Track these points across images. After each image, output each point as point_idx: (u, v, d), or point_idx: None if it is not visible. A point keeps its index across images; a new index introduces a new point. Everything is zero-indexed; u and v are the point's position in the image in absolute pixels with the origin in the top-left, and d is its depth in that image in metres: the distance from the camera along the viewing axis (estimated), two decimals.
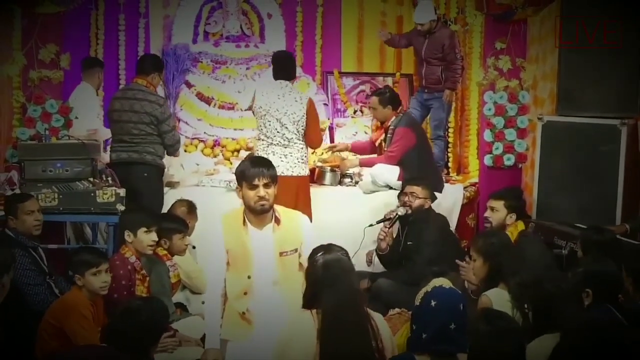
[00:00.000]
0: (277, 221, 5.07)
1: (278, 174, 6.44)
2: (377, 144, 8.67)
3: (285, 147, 7.36)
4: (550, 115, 8.05)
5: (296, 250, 5.06)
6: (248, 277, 5.00)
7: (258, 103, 7.40)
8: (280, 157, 7.28)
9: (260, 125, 7.44)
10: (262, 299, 5.00)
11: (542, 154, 7.96)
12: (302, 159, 7.42)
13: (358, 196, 8.34)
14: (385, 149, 8.35)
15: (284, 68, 7.57)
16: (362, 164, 8.46)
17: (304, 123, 7.39)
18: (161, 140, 7.55)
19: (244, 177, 4.99)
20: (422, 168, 8.13)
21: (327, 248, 4.48)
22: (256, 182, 4.95)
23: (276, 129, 7.34)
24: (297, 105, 7.36)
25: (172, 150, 7.74)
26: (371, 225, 7.43)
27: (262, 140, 7.46)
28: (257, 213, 5.00)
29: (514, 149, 8.46)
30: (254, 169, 5.00)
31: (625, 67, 7.71)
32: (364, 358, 4.20)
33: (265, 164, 5.13)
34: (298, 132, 7.38)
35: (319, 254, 4.44)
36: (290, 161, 7.33)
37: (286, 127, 7.33)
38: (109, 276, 5.35)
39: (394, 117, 8.31)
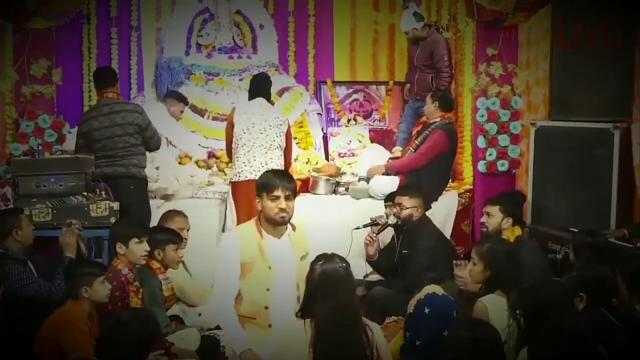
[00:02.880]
0: (293, 227, 5.09)
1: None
2: (413, 134, 8.73)
3: (267, 153, 7.56)
4: (543, 120, 8.05)
5: (307, 253, 5.07)
6: (267, 289, 4.98)
7: (238, 111, 7.78)
8: (261, 163, 7.52)
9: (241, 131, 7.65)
10: (285, 311, 4.96)
11: (536, 159, 7.95)
12: (280, 167, 7.55)
13: (352, 204, 8.33)
14: (417, 142, 8.37)
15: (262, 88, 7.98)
16: (388, 168, 8.44)
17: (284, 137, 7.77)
18: (146, 146, 7.58)
19: (265, 188, 5.01)
20: (433, 178, 8.21)
21: (328, 258, 4.49)
22: (277, 193, 4.97)
23: (260, 131, 7.62)
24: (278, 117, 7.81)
25: (156, 150, 7.96)
26: (358, 228, 7.45)
27: (244, 145, 7.63)
28: (277, 224, 5.00)
29: (507, 155, 8.46)
30: (276, 180, 5.02)
31: (618, 70, 7.72)
32: None
33: (287, 176, 5.19)
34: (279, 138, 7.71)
35: (319, 263, 4.45)
36: (270, 167, 7.41)
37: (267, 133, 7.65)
38: (109, 285, 5.38)
39: (439, 119, 8.33)
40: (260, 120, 7.64)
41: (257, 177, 7.29)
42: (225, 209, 7.85)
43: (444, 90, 8.91)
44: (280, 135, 7.69)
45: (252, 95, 7.94)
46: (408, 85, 10.00)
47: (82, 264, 5.58)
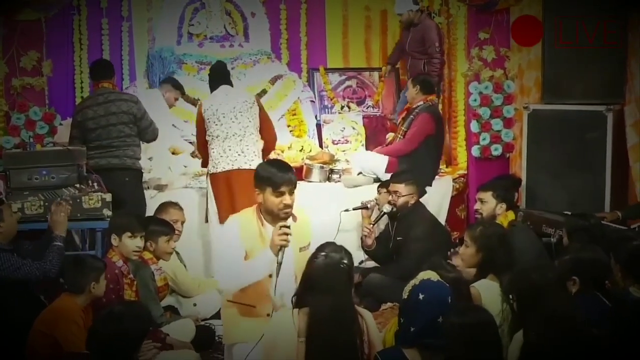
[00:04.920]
0: (294, 218, 5.04)
1: (235, 167, 6.99)
2: (398, 121, 8.72)
3: (241, 140, 7.49)
4: (536, 104, 8.04)
5: (309, 244, 4.99)
6: (269, 276, 4.96)
7: (205, 105, 7.64)
8: (237, 152, 7.44)
9: (213, 124, 7.56)
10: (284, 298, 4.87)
11: (529, 143, 7.96)
12: (257, 153, 7.53)
13: (346, 192, 8.30)
14: (404, 128, 8.36)
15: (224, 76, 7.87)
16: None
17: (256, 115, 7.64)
18: (142, 137, 7.57)
19: (270, 183, 4.87)
20: (423, 163, 8.20)
21: (334, 248, 4.44)
22: (283, 189, 4.87)
23: (231, 120, 7.51)
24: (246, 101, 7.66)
25: (152, 141, 7.90)
26: (347, 210, 7.45)
27: (217, 136, 7.55)
28: (280, 219, 4.96)
29: (501, 139, 8.44)
30: (282, 175, 4.89)
31: (610, 52, 7.70)
32: (348, 355, 4.19)
33: (290, 169, 5.05)
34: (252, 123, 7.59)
35: (324, 251, 4.41)
36: (247, 155, 7.45)
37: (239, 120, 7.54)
38: (105, 281, 5.43)
39: (421, 102, 8.33)
40: (229, 108, 7.55)
41: (234, 167, 7.36)
42: (207, 200, 7.78)
43: (424, 74, 8.91)
44: (253, 119, 7.59)
45: (214, 85, 7.83)
46: (388, 67, 9.95)
47: (91, 259, 5.57)
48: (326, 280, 4.30)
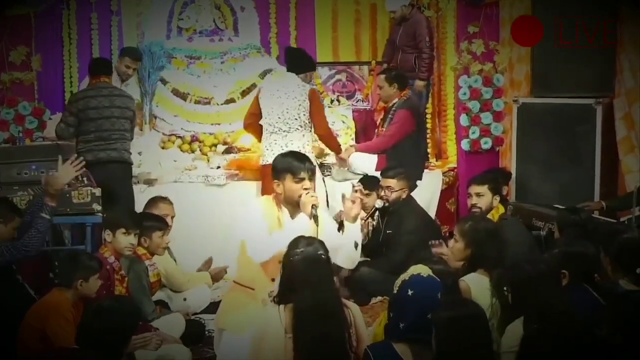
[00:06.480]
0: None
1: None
2: (377, 123, 8.68)
3: (286, 135, 7.52)
4: (525, 97, 8.04)
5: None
6: (279, 262, 4.97)
7: (262, 92, 7.72)
8: (281, 146, 7.44)
9: (263, 115, 7.61)
10: None
11: (519, 136, 7.97)
12: (301, 148, 7.46)
13: (336, 185, 8.28)
14: (383, 128, 8.33)
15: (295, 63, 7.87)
16: (359, 151, 8.40)
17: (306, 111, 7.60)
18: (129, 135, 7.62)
19: (289, 171, 5.06)
20: (411, 157, 8.14)
21: (307, 241, 4.47)
22: (302, 175, 5.03)
23: (278, 116, 7.52)
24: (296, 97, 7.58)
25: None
26: None
27: (266, 129, 7.64)
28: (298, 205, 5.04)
29: (490, 133, 8.45)
30: (299, 162, 5.08)
31: (600, 46, 7.70)
32: (336, 349, 4.19)
33: (307, 157, 5.24)
34: (299, 119, 7.56)
35: (299, 248, 4.43)
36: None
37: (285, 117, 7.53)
38: (100, 281, 5.38)
39: (397, 99, 8.29)
40: (278, 103, 7.56)
41: None
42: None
43: (395, 69, 8.86)
44: (300, 116, 7.57)
45: (288, 67, 7.96)
46: (384, 66, 9.92)
47: (87, 257, 5.53)
48: (308, 276, 4.31)
